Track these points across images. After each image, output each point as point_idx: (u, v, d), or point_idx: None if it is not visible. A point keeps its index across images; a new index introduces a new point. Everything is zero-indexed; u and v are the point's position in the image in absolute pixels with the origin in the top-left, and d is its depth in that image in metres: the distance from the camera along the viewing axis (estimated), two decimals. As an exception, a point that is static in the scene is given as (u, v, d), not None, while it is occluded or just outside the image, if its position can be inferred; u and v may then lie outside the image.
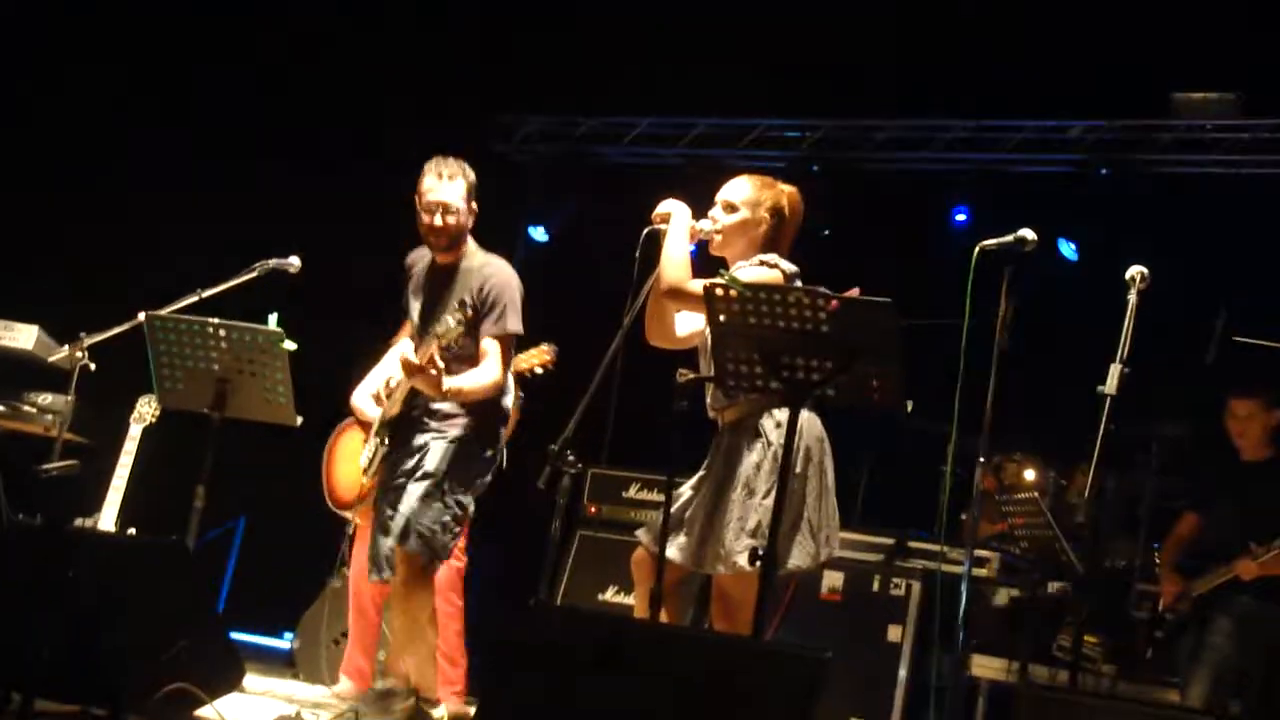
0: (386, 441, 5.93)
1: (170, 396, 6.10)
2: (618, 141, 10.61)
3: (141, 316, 6.13)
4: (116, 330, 6.68)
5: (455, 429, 5.83)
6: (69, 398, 7.04)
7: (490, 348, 5.80)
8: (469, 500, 5.83)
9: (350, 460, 6.88)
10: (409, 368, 5.57)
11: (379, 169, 9.24)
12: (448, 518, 5.73)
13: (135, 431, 6.90)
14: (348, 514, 6.82)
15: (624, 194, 9.52)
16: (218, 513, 6.97)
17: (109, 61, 9.02)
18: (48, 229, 8.78)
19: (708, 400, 5.35)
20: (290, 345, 5.99)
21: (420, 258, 6.13)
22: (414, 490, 5.74)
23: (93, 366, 6.82)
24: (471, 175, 5.97)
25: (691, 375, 5.22)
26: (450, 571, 6.68)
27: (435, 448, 5.79)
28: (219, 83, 9.13)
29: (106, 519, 6.70)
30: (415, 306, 6.07)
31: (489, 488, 5.99)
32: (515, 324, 5.86)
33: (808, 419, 5.17)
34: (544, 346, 6.72)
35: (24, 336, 7.25)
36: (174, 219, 8.93)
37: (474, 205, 5.98)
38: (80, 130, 8.85)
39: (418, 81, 9.56)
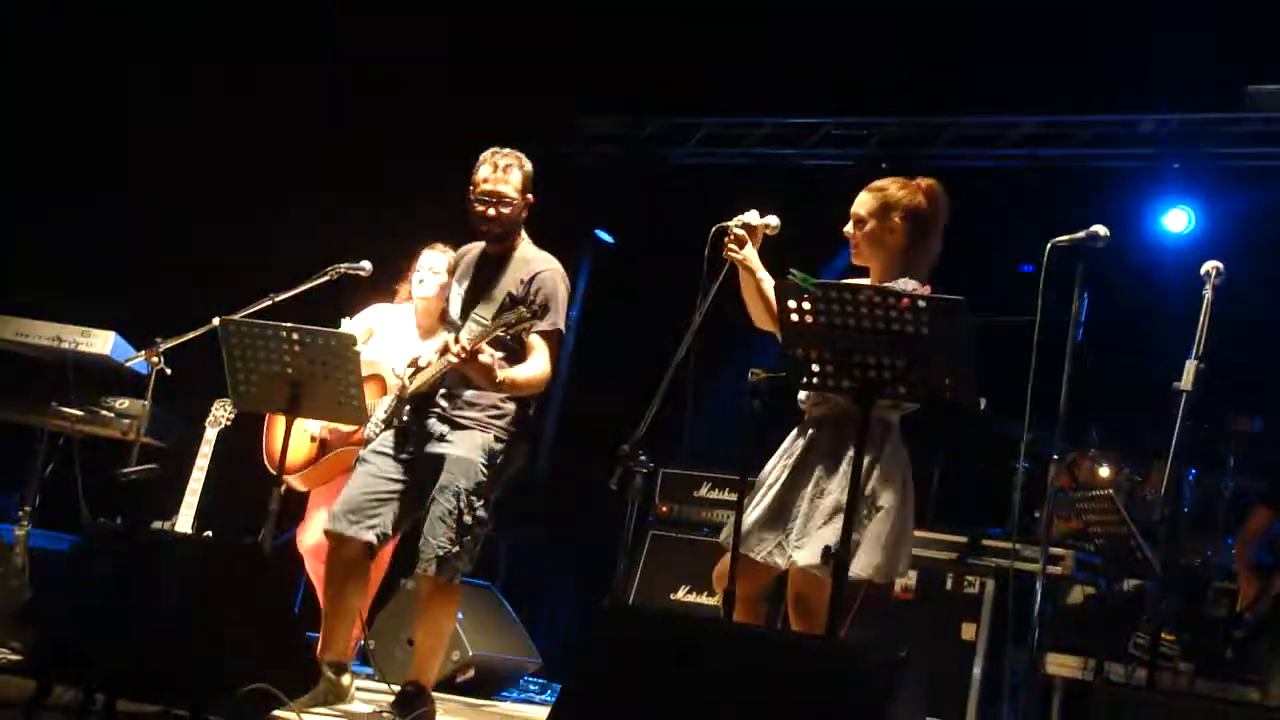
0: (402, 419, 5.91)
1: (245, 399, 6.16)
2: (684, 142, 10.61)
3: (216, 321, 6.20)
4: (191, 335, 6.76)
5: (478, 423, 5.82)
6: (145, 402, 7.12)
7: (538, 343, 5.81)
8: (486, 510, 5.77)
9: (295, 428, 6.87)
10: (465, 355, 5.54)
11: (444, 170, 9.31)
12: (467, 538, 5.71)
13: (211, 435, 6.98)
14: (285, 478, 6.76)
15: (690, 195, 9.56)
16: (295, 515, 7.06)
17: (179, 63, 9.09)
18: (123, 236, 8.86)
19: (800, 393, 5.33)
20: (362, 348, 6.05)
21: (469, 249, 6.16)
22: (435, 509, 5.71)
23: (169, 371, 6.89)
24: (528, 166, 5.98)
25: (765, 374, 5.21)
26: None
27: (459, 452, 5.75)
28: (288, 83, 9.17)
29: (184, 521, 6.77)
30: (458, 292, 6.06)
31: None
32: (562, 319, 5.88)
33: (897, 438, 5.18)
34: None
35: (101, 342, 7.34)
36: (247, 224, 9.01)
37: (529, 196, 5.99)
38: (154, 136, 8.93)
39: (486, 83, 9.60)
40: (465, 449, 5.76)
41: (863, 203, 5.41)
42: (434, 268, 6.96)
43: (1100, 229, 5.33)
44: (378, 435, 5.96)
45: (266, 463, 6.99)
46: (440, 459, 5.77)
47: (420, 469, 5.84)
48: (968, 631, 7.11)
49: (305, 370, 5.92)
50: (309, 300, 6.71)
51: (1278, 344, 8.05)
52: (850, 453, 5.04)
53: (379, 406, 6.06)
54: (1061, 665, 7.21)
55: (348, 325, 6.83)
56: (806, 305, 4.71)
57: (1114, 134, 9.50)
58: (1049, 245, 5.32)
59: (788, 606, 5.33)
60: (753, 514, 5.24)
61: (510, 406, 5.85)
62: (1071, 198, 9.23)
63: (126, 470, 6.79)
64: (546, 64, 9.75)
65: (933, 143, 9.95)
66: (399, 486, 5.86)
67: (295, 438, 6.67)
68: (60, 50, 8.97)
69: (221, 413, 6.96)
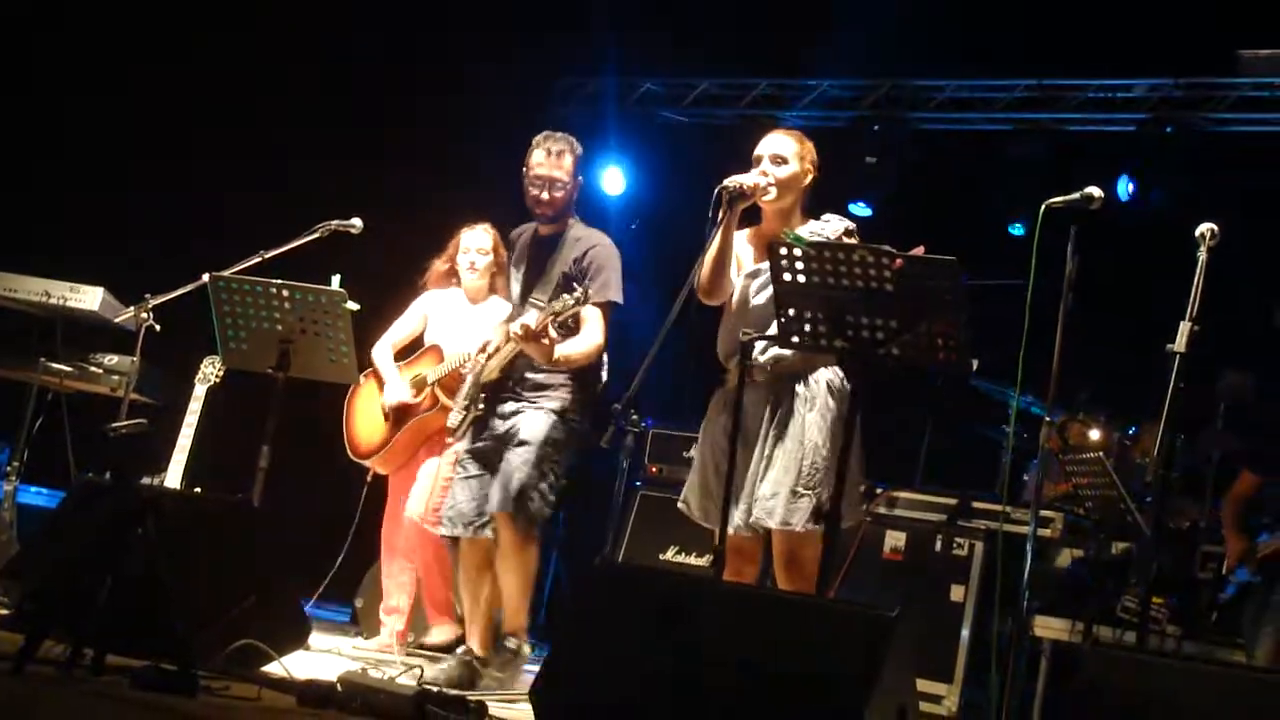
0: (480, 405, 6.04)
1: (234, 357, 6.17)
2: (678, 103, 10.57)
3: (205, 278, 6.19)
4: (181, 291, 6.74)
5: (551, 400, 6.00)
6: (134, 359, 7.11)
7: (591, 315, 5.96)
8: (564, 470, 5.99)
9: (367, 411, 7.02)
10: (526, 333, 5.71)
11: (439, 127, 9.30)
12: (544, 485, 5.90)
13: (200, 391, 6.97)
14: (367, 463, 6.93)
15: (685, 154, 9.54)
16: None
17: (174, 34, 9.04)
18: (112, 191, 8.82)
19: (756, 354, 5.34)
20: (353, 306, 6.04)
21: (523, 230, 6.32)
22: (512, 458, 5.91)
23: (158, 327, 6.87)
24: (578, 149, 6.21)
25: (755, 334, 5.21)
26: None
27: (532, 416, 5.96)
28: (281, 46, 9.12)
29: (172, 477, 6.77)
30: (516, 276, 6.26)
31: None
32: (616, 293, 6.02)
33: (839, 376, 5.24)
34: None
35: (90, 298, 7.31)
36: (238, 181, 8.97)
37: (579, 178, 6.19)
38: (145, 94, 8.88)
39: (478, 42, 9.55)
40: (538, 419, 5.96)
41: (783, 143, 5.50)
42: (481, 248, 7.09)
43: (1094, 190, 5.31)
44: (460, 421, 6.10)
45: (349, 451, 7.13)
46: (516, 431, 5.97)
47: (500, 452, 6.00)
48: (956, 593, 7.12)
49: (295, 327, 5.92)
50: (301, 259, 6.69)
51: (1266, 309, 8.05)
52: (803, 412, 5.22)
53: (459, 394, 6.19)
54: (1049, 628, 7.22)
55: (337, 283, 6.82)
56: (799, 265, 4.71)
57: (1106, 99, 9.47)
58: (1043, 206, 5.29)
59: (775, 565, 5.35)
60: (737, 483, 5.25)
61: (576, 385, 6.02)
62: (1063, 161, 9.21)
63: (115, 426, 6.78)
64: (543, 23, 9.70)
65: (925, 105, 9.91)
66: (491, 476, 6.02)
67: (370, 418, 6.83)
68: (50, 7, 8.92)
69: (210, 369, 6.95)
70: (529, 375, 6.01)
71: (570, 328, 5.92)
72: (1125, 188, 9.11)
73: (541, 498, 5.88)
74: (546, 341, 5.73)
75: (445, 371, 6.86)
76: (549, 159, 6.10)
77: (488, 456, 6.03)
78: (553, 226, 6.17)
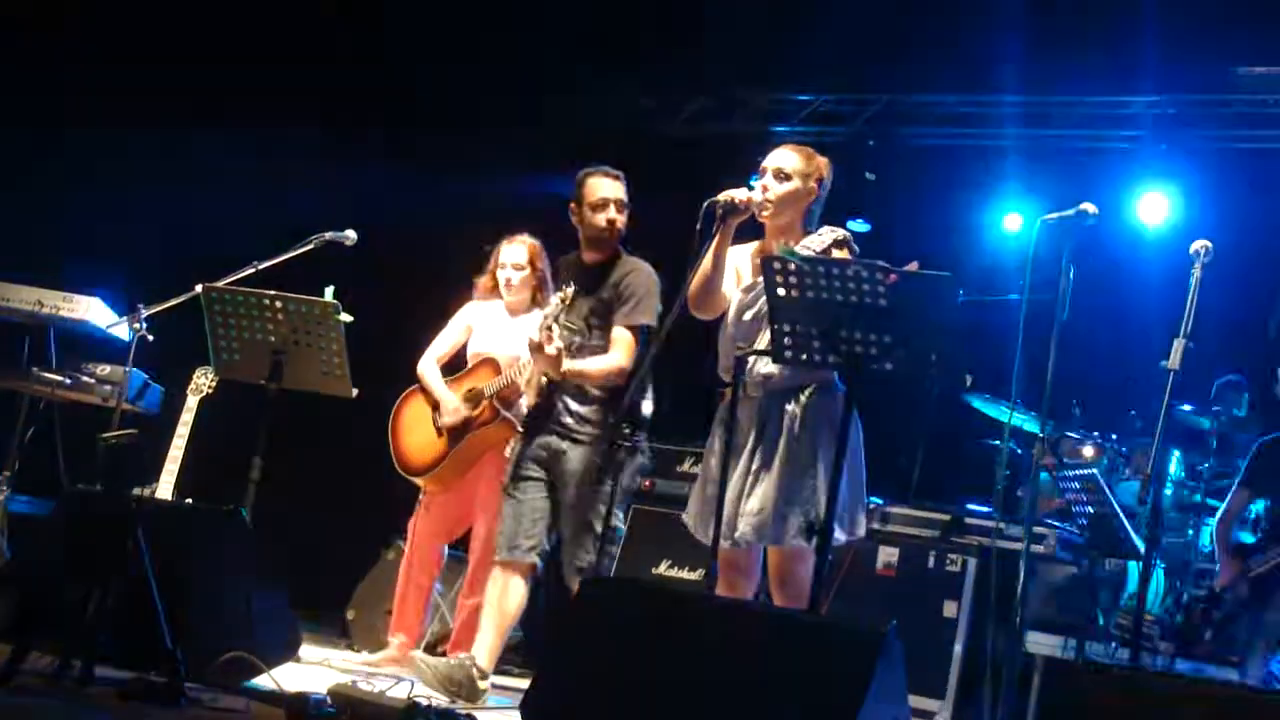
0: (533, 431, 6.13)
1: (227, 368, 6.15)
2: (672, 118, 10.56)
3: (199, 288, 6.17)
4: (174, 302, 6.71)
5: (590, 437, 6.02)
6: (127, 369, 7.08)
7: (619, 336, 6.01)
8: (618, 511, 5.99)
9: (417, 427, 6.94)
10: (531, 345, 5.79)
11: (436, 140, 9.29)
12: (600, 544, 5.85)
13: (192, 403, 6.95)
14: (419, 481, 6.89)
15: (679, 169, 9.52)
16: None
17: (169, 28, 9.03)
18: (106, 202, 8.80)
19: (752, 371, 5.31)
20: (346, 317, 6.03)
21: (569, 262, 6.36)
22: (572, 532, 5.97)
23: (150, 338, 6.86)
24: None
25: (749, 349, 5.20)
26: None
27: (575, 466, 5.99)
28: (280, 53, 9.11)
29: (164, 489, 6.75)
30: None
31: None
32: (647, 317, 6.04)
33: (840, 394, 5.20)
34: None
35: (83, 308, 7.30)
36: (231, 192, 8.95)
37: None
38: (139, 103, 8.86)
39: (467, 55, 9.55)
40: (582, 461, 5.99)
41: (787, 159, 5.43)
42: (517, 263, 7.03)
43: (1089, 206, 5.32)
44: (515, 448, 6.20)
45: (398, 467, 7.04)
46: (564, 472, 6.01)
47: (550, 485, 6.07)
48: (949, 609, 7.11)
49: (288, 339, 5.91)
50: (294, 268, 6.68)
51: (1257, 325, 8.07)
52: (797, 429, 5.18)
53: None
54: (1042, 644, 7.22)
55: (330, 294, 6.80)
56: (793, 280, 4.70)
57: (1103, 115, 9.48)
58: (1038, 222, 5.30)
59: (769, 581, 5.33)
60: (727, 498, 5.23)
61: (611, 412, 5.95)
62: (1061, 176, 9.21)
63: (106, 435, 6.75)
64: (533, 38, 9.70)
65: (921, 120, 9.91)
66: (543, 504, 6.06)
67: (422, 433, 6.79)
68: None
69: (203, 380, 6.93)
70: (571, 404, 6.04)
71: (602, 349, 6.01)
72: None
73: (599, 555, 5.86)
74: (553, 352, 5.75)
75: (503, 385, 6.78)
76: (612, 182, 6.20)
77: (533, 484, 6.05)
78: (602, 254, 6.21)
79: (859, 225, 9.48)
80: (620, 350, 5.99)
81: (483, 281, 7.15)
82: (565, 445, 6.02)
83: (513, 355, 6.75)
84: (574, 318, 6.06)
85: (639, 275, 6.11)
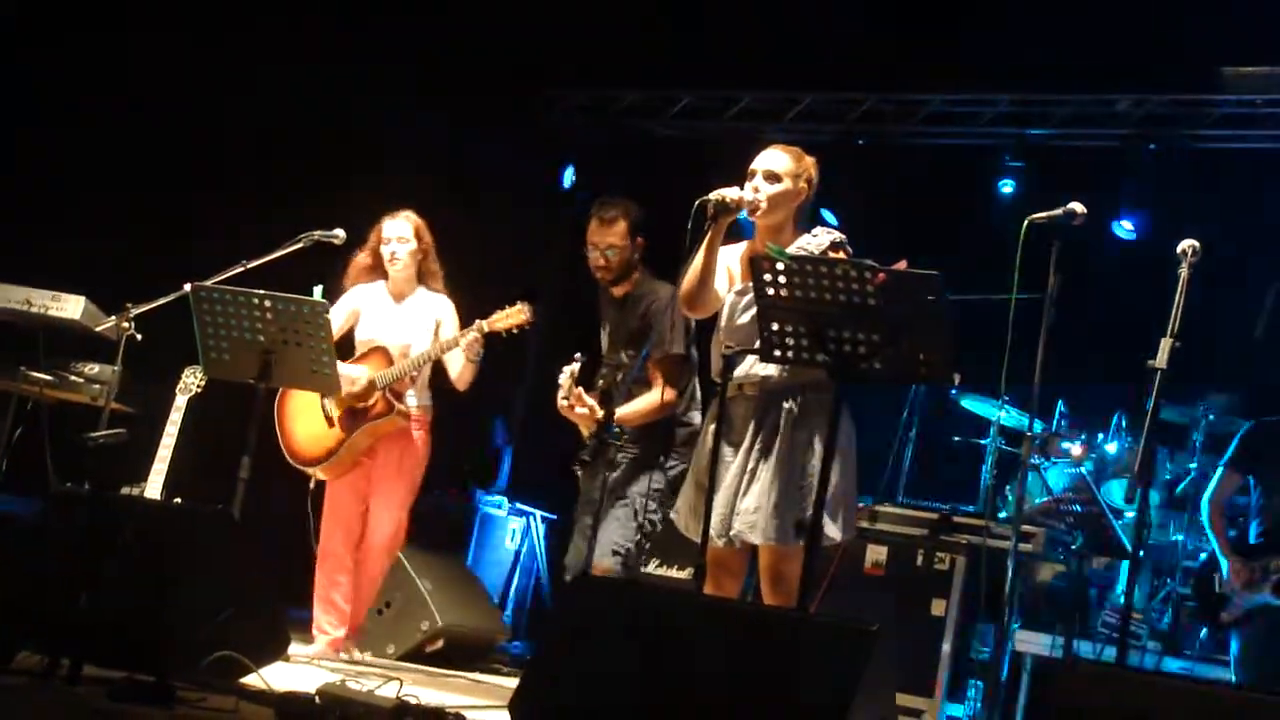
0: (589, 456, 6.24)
1: (215, 367, 6.14)
2: (661, 115, 10.56)
3: (187, 287, 6.16)
4: (162, 301, 6.70)
5: (637, 448, 6.26)
6: (116, 368, 7.06)
7: (657, 372, 6.20)
8: (657, 514, 6.20)
9: (303, 415, 6.92)
10: (564, 410, 6.11)
11: (417, 139, 9.27)
12: (639, 536, 6.16)
13: (181, 402, 6.92)
14: (311, 471, 6.85)
15: (668, 168, 9.53)
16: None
17: (165, 32, 9.01)
18: (94, 199, 8.78)
19: (742, 369, 5.32)
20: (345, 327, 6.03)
21: (608, 297, 6.58)
22: (610, 513, 6.15)
23: (139, 337, 6.84)
24: (634, 212, 6.44)
25: (738, 348, 5.20)
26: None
27: (625, 468, 6.23)
28: (258, 57, 9.08)
29: (152, 488, 6.73)
30: (604, 335, 6.56)
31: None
32: (677, 346, 6.23)
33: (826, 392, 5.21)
34: (519, 306, 6.70)
35: (71, 307, 7.28)
36: (220, 191, 8.94)
37: (639, 239, 6.44)
38: (133, 103, 8.85)
39: (459, 52, 9.54)
40: (627, 469, 6.23)
41: (777, 160, 5.43)
42: (402, 236, 6.97)
43: (1077, 206, 5.32)
44: (582, 483, 6.36)
45: (286, 455, 6.99)
46: (611, 462, 6.16)
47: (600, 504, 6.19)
48: (937, 608, 7.10)
49: (276, 338, 5.90)
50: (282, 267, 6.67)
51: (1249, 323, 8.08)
52: (791, 429, 5.20)
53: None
54: (1030, 643, 7.23)
55: (319, 293, 6.79)
56: (781, 279, 4.70)
57: (1090, 114, 9.49)
58: (1026, 221, 5.30)
59: (760, 579, 5.34)
60: (718, 497, 5.24)
61: (653, 434, 6.25)
62: (1047, 176, 9.23)
63: (94, 435, 6.74)
64: (522, 34, 9.69)
65: (909, 119, 9.93)
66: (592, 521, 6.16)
67: (310, 423, 6.74)
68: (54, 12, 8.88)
69: (192, 379, 6.90)
70: (624, 430, 6.17)
71: (647, 382, 6.20)
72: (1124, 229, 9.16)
73: (637, 546, 6.17)
74: (585, 412, 6.02)
75: (395, 378, 6.75)
76: (601, 227, 6.38)
77: (596, 511, 6.13)
78: (621, 287, 6.46)
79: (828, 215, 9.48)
80: (659, 387, 6.18)
81: (360, 259, 7.08)
82: (620, 457, 6.22)
83: (404, 344, 6.78)
84: (616, 353, 6.35)
85: (657, 303, 6.26)
